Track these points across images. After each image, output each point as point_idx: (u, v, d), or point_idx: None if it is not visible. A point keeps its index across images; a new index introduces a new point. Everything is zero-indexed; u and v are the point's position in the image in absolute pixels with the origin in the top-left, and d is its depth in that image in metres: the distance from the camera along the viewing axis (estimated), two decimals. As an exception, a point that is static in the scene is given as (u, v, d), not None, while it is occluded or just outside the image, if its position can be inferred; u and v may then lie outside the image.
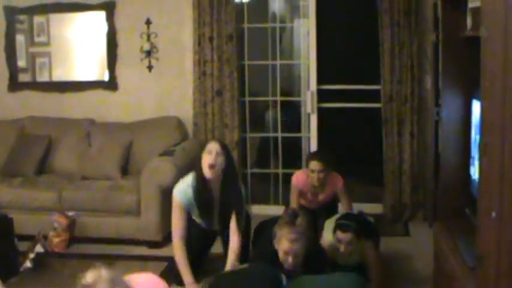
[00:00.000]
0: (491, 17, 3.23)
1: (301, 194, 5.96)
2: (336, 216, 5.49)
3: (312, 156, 5.95)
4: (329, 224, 5.32)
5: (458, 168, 4.88)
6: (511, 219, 3.14)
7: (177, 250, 5.13)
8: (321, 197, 5.94)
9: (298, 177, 5.96)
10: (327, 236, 5.24)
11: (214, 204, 5.17)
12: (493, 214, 3.19)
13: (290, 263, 4.47)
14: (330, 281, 4.38)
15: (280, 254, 4.50)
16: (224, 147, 5.07)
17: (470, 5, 4.42)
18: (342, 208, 5.99)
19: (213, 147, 4.99)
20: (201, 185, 5.05)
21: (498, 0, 3.13)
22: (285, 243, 4.46)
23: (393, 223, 6.86)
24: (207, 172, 4.97)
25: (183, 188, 5.13)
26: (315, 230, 5.67)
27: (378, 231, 5.55)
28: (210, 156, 4.95)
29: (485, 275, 3.32)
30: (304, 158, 7.15)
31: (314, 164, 5.73)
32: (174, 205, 5.18)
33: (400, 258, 5.92)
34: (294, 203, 5.93)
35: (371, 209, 6.68)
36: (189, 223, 5.20)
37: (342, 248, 5.03)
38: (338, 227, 5.07)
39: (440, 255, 4.78)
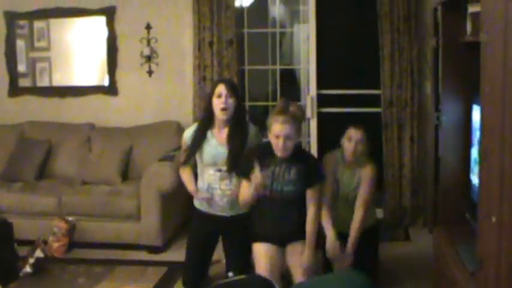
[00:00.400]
0: (491, 22, 3.24)
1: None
2: None
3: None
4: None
5: (458, 173, 4.88)
6: (511, 224, 3.14)
7: (183, 171, 5.23)
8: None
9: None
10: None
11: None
12: (493, 219, 3.19)
13: (281, 147, 4.50)
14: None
15: (272, 140, 4.55)
16: (233, 88, 5.00)
17: (470, 10, 4.43)
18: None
19: (222, 90, 4.92)
20: (205, 123, 5.08)
21: (498, 6, 3.13)
22: (276, 126, 4.50)
23: (393, 228, 6.85)
24: (220, 114, 4.94)
25: (191, 129, 5.19)
26: None
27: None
28: (220, 100, 4.91)
29: (485, 279, 3.32)
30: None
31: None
32: (182, 147, 5.28)
33: (400, 263, 5.92)
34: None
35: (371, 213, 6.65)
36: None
37: (351, 146, 5.10)
38: (351, 125, 5.17)
39: (441, 260, 4.78)
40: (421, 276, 5.59)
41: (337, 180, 5.19)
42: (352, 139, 5.11)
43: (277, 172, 4.63)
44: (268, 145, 4.61)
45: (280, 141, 4.48)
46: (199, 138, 5.03)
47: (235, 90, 5.00)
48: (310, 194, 4.68)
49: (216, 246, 5.29)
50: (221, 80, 5.41)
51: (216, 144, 4.99)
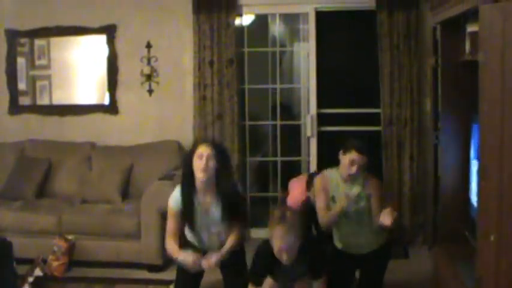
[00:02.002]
0: (489, 42, 3.26)
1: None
2: None
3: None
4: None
5: (457, 192, 4.90)
6: (510, 242, 3.14)
7: (169, 243, 4.97)
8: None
9: (297, 200, 5.78)
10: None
11: (206, 209, 4.94)
12: (492, 237, 3.20)
13: (286, 259, 4.51)
14: None
15: (276, 252, 4.54)
16: (216, 149, 4.77)
17: (469, 29, 4.45)
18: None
19: (203, 151, 4.71)
20: (188, 190, 4.87)
21: (495, 26, 3.16)
22: (277, 241, 4.49)
23: (392, 245, 6.83)
24: (199, 176, 4.74)
25: (175, 195, 4.97)
26: None
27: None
28: (201, 162, 4.70)
29: (485, 298, 3.32)
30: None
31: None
32: (168, 213, 5.04)
33: (399, 281, 5.90)
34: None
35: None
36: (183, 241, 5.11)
37: (352, 170, 4.86)
38: (355, 147, 4.87)
39: (440, 278, 4.78)
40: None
41: (333, 197, 5.09)
42: (354, 163, 4.86)
43: (288, 272, 4.70)
44: (273, 257, 4.65)
45: (284, 255, 4.51)
46: (187, 211, 4.90)
47: (219, 151, 4.80)
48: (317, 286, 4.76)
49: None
50: (205, 141, 5.04)
51: (204, 213, 4.90)
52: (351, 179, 4.96)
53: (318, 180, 5.14)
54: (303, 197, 5.80)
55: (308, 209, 5.52)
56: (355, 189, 4.81)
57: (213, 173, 4.75)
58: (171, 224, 5.00)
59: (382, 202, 4.99)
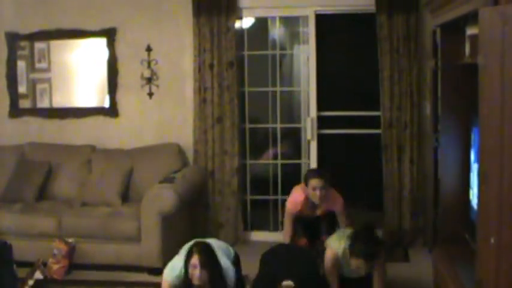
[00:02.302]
0: (488, 45, 3.26)
1: (298, 213, 5.97)
2: (343, 231, 5.45)
3: (313, 173, 5.94)
4: (334, 237, 5.31)
5: (457, 195, 4.90)
6: (510, 245, 3.15)
7: None
8: (319, 211, 5.96)
9: (296, 199, 5.97)
10: (333, 245, 5.23)
11: None
12: (492, 240, 3.21)
13: None
14: None
15: None
16: (206, 258, 4.78)
17: (469, 32, 4.46)
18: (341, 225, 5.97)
19: (196, 261, 4.74)
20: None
21: (495, 29, 3.16)
22: None
23: (393, 249, 6.84)
24: (194, 279, 4.79)
25: (173, 269, 4.96)
26: (318, 235, 5.96)
27: (386, 249, 5.49)
28: (194, 270, 4.74)
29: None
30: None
31: (316, 182, 5.74)
32: (163, 285, 5.01)
33: (399, 283, 5.90)
34: (288, 231, 6.00)
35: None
36: None
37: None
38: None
39: (440, 281, 4.79)
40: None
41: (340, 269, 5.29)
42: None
43: None
44: None
45: None
46: None
47: (210, 259, 4.81)
48: None
49: None
50: (197, 250, 4.86)
51: None
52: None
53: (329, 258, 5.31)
54: (301, 198, 5.91)
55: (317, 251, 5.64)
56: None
57: (207, 280, 4.79)
58: None
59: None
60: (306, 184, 5.82)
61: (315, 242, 6.00)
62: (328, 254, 5.24)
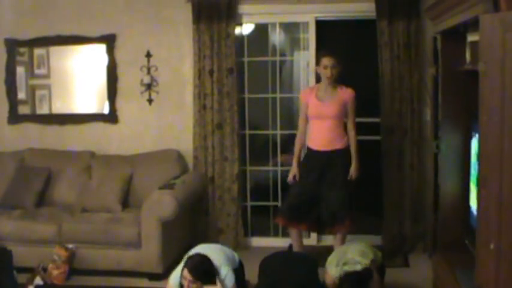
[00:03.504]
0: (489, 52, 3.27)
1: (310, 108, 6.21)
2: (341, 249, 5.47)
3: (324, 52, 6.25)
4: (333, 260, 5.32)
5: (457, 200, 4.91)
6: (509, 250, 3.15)
7: None
8: (330, 108, 6.14)
9: (306, 89, 6.42)
10: (331, 271, 5.24)
11: None
12: (491, 246, 3.21)
13: None
14: None
15: None
16: (197, 272, 4.91)
17: (470, 39, 4.47)
18: (348, 126, 6.24)
19: (186, 274, 4.90)
20: None
21: (496, 36, 3.17)
22: None
23: (393, 254, 6.84)
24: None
25: (176, 276, 5.12)
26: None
27: (384, 270, 5.50)
28: (185, 282, 4.90)
29: (485, 306, 3.33)
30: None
31: (327, 60, 6.10)
32: None
33: (399, 289, 5.92)
34: (302, 131, 6.35)
35: (370, 241, 6.64)
36: None
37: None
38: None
39: (440, 286, 4.80)
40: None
41: None
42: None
43: None
44: None
45: None
46: None
47: (202, 274, 4.93)
48: None
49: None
50: (187, 267, 5.00)
51: None
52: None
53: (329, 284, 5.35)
54: (312, 86, 6.47)
55: None
56: None
57: None
58: None
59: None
60: (318, 63, 6.20)
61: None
62: (328, 281, 5.28)
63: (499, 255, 3.20)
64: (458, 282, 4.22)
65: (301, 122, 6.35)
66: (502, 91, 3.17)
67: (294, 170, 6.29)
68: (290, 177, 6.30)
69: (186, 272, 4.90)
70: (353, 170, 6.11)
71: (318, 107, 6.14)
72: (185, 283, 4.90)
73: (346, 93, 6.16)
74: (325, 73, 6.09)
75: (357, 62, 7.33)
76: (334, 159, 6.12)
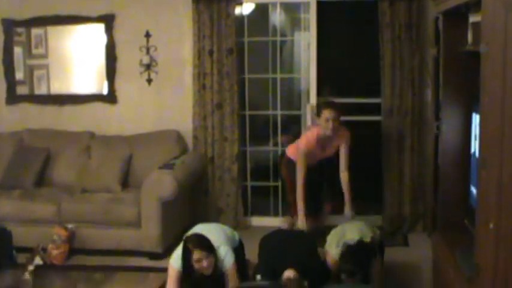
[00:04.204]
0: (491, 34, 3.25)
1: (308, 154, 6.11)
2: (339, 230, 5.47)
3: (326, 104, 6.09)
4: (332, 240, 5.32)
5: (457, 181, 4.90)
6: (509, 230, 3.16)
7: None
8: (328, 151, 6.16)
9: (308, 138, 6.12)
10: (332, 251, 5.25)
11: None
12: (491, 225, 3.22)
13: None
14: None
15: None
16: (206, 247, 4.88)
17: (471, 19, 4.44)
18: (341, 161, 6.21)
19: (198, 255, 4.83)
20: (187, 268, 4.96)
21: (498, 17, 3.15)
22: None
23: (393, 234, 6.86)
24: (204, 270, 4.89)
25: (177, 257, 5.03)
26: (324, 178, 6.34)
27: (383, 248, 5.50)
28: (200, 263, 4.83)
29: (483, 284, 3.34)
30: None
31: (329, 112, 5.91)
32: (170, 273, 5.05)
33: (399, 268, 5.92)
34: (302, 172, 6.08)
35: (370, 221, 6.65)
36: None
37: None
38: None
39: (439, 265, 4.81)
40: (419, 281, 5.62)
41: None
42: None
43: None
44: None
45: None
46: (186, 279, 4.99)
47: (209, 248, 4.89)
48: None
49: None
50: (191, 246, 4.92)
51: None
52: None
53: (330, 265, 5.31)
54: (313, 136, 6.11)
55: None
56: None
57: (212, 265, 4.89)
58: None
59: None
60: (319, 115, 6.01)
61: (318, 216, 6.32)
62: (329, 261, 5.27)
63: (498, 235, 3.20)
64: (457, 262, 4.22)
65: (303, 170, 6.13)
66: (504, 72, 3.15)
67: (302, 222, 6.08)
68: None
69: (196, 252, 4.83)
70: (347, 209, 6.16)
71: (318, 153, 6.19)
72: (200, 264, 4.83)
73: (343, 136, 6.16)
74: (327, 126, 5.93)
75: (357, 42, 7.30)
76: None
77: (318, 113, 6.03)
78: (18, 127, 7.58)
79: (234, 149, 7.15)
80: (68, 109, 7.66)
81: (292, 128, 7.47)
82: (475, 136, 4.31)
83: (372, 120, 7.13)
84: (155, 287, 5.55)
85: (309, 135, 6.14)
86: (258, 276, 5.10)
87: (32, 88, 7.78)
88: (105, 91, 7.59)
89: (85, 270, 6.00)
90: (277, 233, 5.54)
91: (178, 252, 5.04)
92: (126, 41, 7.43)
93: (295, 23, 7.53)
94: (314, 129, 6.15)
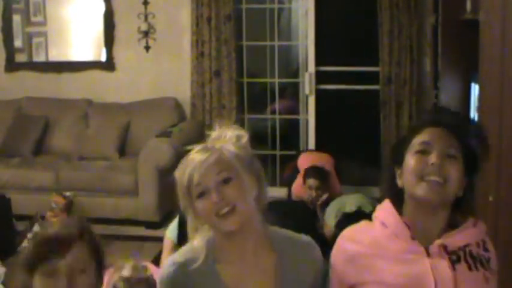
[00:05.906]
0: (490, 2, 3.23)
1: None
2: (339, 201, 5.47)
3: (310, 172, 5.88)
4: (331, 212, 5.33)
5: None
6: (508, 202, 3.15)
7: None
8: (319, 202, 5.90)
9: (300, 189, 5.98)
10: (330, 222, 5.26)
11: None
12: (490, 198, 3.21)
13: None
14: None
15: None
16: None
17: (470, -13, 4.42)
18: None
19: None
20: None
21: (497, -16, 3.13)
22: None
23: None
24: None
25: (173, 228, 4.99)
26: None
27: None
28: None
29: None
30: (302, 140, 7.28)
31: (312, 181, 5.74)
32: (165, 244, 5.03)
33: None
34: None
35: (368, 192, 6.64)
36: None
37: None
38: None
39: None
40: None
41: None
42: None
43: None
44: None
45: None
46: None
47: None
48: None
49: None
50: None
51: None
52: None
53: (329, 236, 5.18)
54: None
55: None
56: None
57: None
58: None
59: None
60: (304, 181, 5.83)
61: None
62: (327, 233, 5.26)
63: (498, 207, 3.21)
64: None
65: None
66: (503, 40, 3.14)
67: None
68: None
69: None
70: None
71: None
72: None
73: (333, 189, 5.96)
74: (310, 194, 5.71)
75: (355, 10, 7.26)
76: None
77: (304, 178, 5.86)
78: (17, 95, 7.55)
79: (232, 116, 7.13)
80: (66, 76, 7.63)
81: (290, 94, 7.45)
82: (474, 106, 4.30)
83: (369, 88, 7.10)
84: (152, 256, 5.56)
85: (300, 185, 6.01)
86: None
87: (30, 56, 7.75)
88: (103, 58, 7.56)
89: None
90: (274, 202, 5.54)
91: (174, 223, 5.02)
92: (124, 8, 7.39)
93: (293, -10, 7.49)
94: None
